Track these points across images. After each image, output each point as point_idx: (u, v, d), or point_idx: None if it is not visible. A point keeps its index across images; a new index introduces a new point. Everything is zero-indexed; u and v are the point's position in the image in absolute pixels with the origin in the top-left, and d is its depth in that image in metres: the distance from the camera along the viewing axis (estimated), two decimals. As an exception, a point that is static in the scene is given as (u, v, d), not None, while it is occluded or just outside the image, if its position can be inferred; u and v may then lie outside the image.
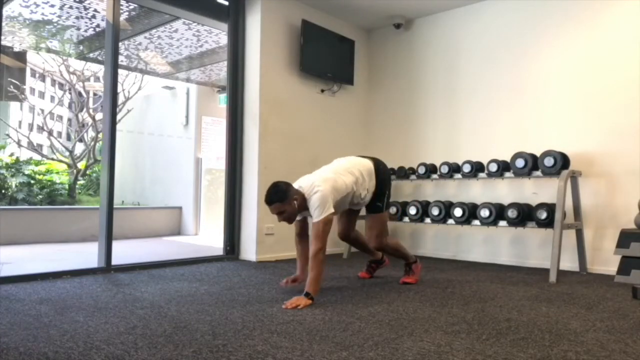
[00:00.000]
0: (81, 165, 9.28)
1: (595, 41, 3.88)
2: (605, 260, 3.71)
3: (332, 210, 2.65)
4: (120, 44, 4.10)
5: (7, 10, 4.79)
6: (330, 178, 2.76)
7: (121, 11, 4.45)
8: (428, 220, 4.23)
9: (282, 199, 2.63)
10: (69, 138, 19.20)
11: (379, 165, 3.06)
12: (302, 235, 2.94)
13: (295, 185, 2.77)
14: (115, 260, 3.59)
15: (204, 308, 2.42)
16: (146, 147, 8.09)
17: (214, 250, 4.81)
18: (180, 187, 7.27)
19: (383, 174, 3.06)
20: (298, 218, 2.86)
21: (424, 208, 4.23)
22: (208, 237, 6.40)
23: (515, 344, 1.89)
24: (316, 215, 2.63)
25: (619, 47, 3.76)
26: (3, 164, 7.86)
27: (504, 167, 3.92)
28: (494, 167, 3.94)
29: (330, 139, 4.90)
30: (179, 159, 7.40)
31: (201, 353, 1.73)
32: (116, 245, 3.64)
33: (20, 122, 21.57)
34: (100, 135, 8.69)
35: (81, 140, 10.19)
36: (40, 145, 15.05)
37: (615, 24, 3.79)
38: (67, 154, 9.44)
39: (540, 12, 4.16)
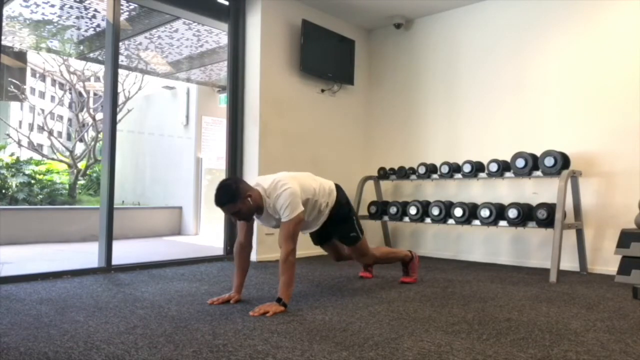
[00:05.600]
0: (81, 165, 9.29)
1: (595, 41, 3.88)
2: (606, 260, 3.71)
3: (302, 208, 2.45)
4: (120, 43, 4.11)
5: (7, 10, 4.79)
6: (296, 176, 2.61)
7: (121, 11, 4.45)
8: (428, 220, 4.23)
9: (233, 199, 2.37)
10: (69, 138, 19.22)
11: (338, 186, 2.88)
12: (246, 245, 2.61)
13: (252, 183, 2.56)
14: (116, 260, 3.59)
15: (205, 308, 2.42)
16: (146, 147, 8.10)
17: (214, 250, 4.81)
18: (180, 187, 7.27)
19: (344, 197, 2.87)
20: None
21: (424, 208, 4.23)
22: (208, 237, 6.40)
23: (516, 343, 1.89)
24: (286, 215, 2.40)
25: (619, 47, 3.75)
26: (3, 164, 7.86)
27: (504, 167, 3.92)
28: (494, 167, 3.94)
29: (330, 139, 4.90)
30: (179, 159, 7.41)
31: (201, 353, 1.73)
32: (116, 245, 3.64)
33: (20, 122, 21.60)
34: (100, 135, 8.70)
35: (81, 140, 10.21)
36: (41, 145, 15.07)
37: (615, 23, 3.79)
38: (67, 153, 9.46)
39: (541, 12, 4.16)
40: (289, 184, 2.45)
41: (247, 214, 2.46)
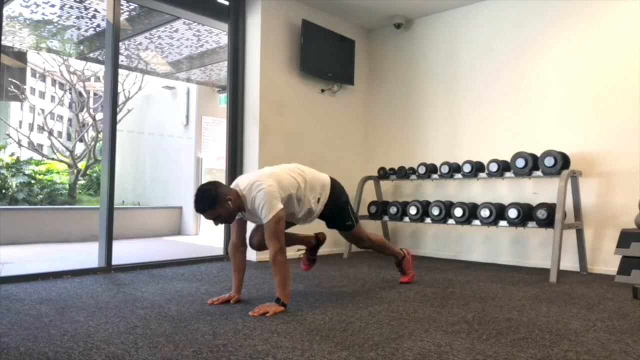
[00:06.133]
0: (81, 165, 9.29)
1: (595, 41, 3.88)
2: (606, 260, 3.71)
3: (280, 206, 2.39)
4: (120, 43, 4.10)
5: (7, 10, 4.79)
6: (273, 173, 2.54)
7: (121, 11, 4.45)
8: (428, 220, 4.22)
9: (213, 205, 2.34)
10: (69, 138, 19.23)
11: (334, 180, 2.83)
12: (240, 245, 2.59)
13: (232, 184, 2.53)
14: (116, 260, 3.59)
15: (205, 308, 2.42)
16: (146, 147, 8.10)
17: (214, 250, 4.81)
18: (180, 187, 7.27)
19: (339, 189, 2.83)
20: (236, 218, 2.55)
21: (425, 208, 4.23)
22: (208, 237, 6.40)
23: (516, 343, 1.89)
24: (264, 215, 2.36)
25: (620, 47, 3.75)
26: (4, 164, 7.86)
27: (504, 167, 3.92)
28: (494, 167, 3.94)
29: (330, 139, 4.90)
30: (179, 158, 7.41)
31: (201, 353, 1.73)
32: (116, 245, 3.64)
33: (20, 122, 21.61)
34: (100, 135, 8.70)
35: (81, 140, 10.21)
36: (41, 145, 15.08)
37: (616, 24, 3.79)
38: (67, 153, 9.46)
39: (541, 13, 4.15)
40: (264, 184, 2.40)
41: (227, 218, 2.44)
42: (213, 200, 2.34)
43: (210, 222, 2.50)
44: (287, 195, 2.51)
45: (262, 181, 2.42)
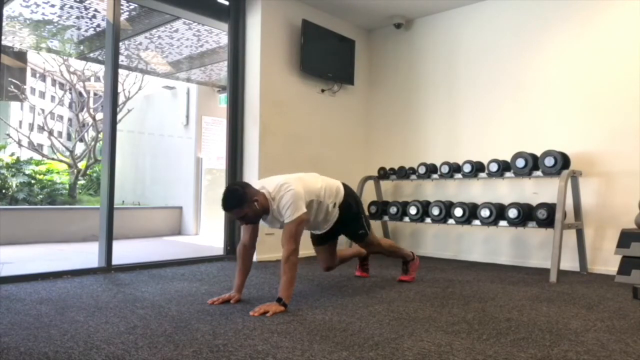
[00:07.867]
0: (81, 165, 9.29)
1: (595, 41, 3.88)
2: (606, 260, 3.71)
3: (304, 210, 2.47)
4: (120, 43, 4.11)
5: (7, 10, 4.79)
6: (302, 177, 2.64)
7: (121, 11, 4.45)
8: (428, 220, 4.22)
9: (241, 204, 2.39)
10: (69, 138, 19.23)
11: (346, 185, 2.89)
12: (249, 246, 2.62)
13: (257, 185, 2.56)
14: (116, 260, 3.59)
15: (205, 308, 2.42)
16: (146, 147, 8.10)
17: (214, 250, 4.81)
18: (180, 187, 7.27)
19: (352, 195, 2.89)
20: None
21: (425, 208, 4.23)
22: (208, 237, 6.40)
23: (516, 343, 1.89)
24: (288, 216, 2.43)
25: (620, 47, 3.75)
26: (4, 164, 7.87)
27: (504, 167, 3.92)
28: (494, 167, 3.94)
29: (330, 139, 4.90)
30: (179, 158, 7.40)
31: (201, 353, 1.73)
32: (116, 245, 3.64)
33: (20, 122, 21.62)
34: (100, 135, 8.70)
35: (82, 140, 10.21)
36: (41, 145, 15.07)
37: (616, 24, 3.79)
38: (67, 153, 9.46)
39: (541, 12, 4.16)
40: (292, 186, 2.48)
41: (253, 218, 2.50)
42: (240, 200, 2.40)
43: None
44: (310, 200, 2.58)
45: (290, 183, 2.50)
